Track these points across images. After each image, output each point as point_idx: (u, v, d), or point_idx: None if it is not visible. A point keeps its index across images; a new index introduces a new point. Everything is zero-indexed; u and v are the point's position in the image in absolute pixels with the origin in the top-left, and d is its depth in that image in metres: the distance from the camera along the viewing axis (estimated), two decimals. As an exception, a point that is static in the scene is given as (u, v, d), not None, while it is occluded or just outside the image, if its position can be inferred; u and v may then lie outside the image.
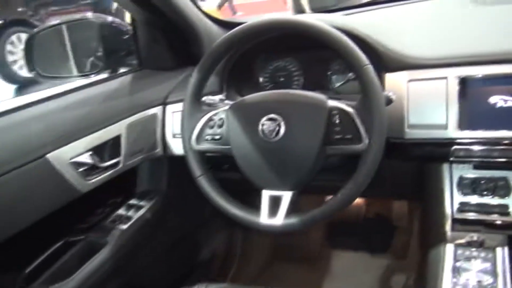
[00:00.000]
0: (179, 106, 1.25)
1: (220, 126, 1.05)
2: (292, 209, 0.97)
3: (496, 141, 0.97)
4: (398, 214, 1.79)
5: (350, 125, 0.93)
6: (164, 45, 1.37)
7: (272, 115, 0.98)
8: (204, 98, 1.10)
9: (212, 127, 1.06)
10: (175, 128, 1.27)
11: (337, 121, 0.94)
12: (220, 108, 1.06)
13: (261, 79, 1.33)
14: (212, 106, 1.11)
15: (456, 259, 0.98)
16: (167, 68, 1.40)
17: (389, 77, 1.07)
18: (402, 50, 1.07)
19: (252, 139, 0.99)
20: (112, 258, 1.17)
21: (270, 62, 1.32)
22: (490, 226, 1.03)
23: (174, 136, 1.28)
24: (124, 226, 1.22)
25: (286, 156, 0.97)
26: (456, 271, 0.95)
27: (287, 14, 1.17)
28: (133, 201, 1.32)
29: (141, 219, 1.26)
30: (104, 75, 1.31)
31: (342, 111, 0.94)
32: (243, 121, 1.01)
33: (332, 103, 0.96)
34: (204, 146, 1.06)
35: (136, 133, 1.22)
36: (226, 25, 1.51)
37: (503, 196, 1.03)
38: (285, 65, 1.30)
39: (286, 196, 0.98)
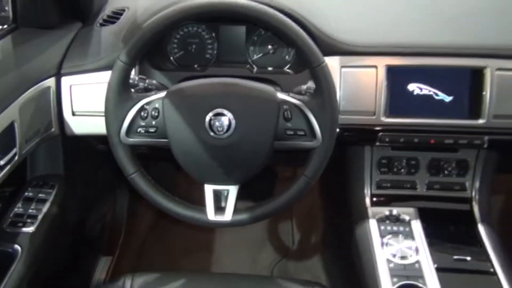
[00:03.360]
0: (78, 79, 1.08)
1: (155, 117, 0.93)
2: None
3: (415, 127, 1.08)
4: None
5: (302, 121, 0.92)
6: None
7: (220, 110, 0.90)
8: (132, 81, 0.96)
9: (145, 118, 0.93)
10: (75, 104, 1.09)
11: (289, 116, 0.92)
12: (154, 96, 0.93)
13: (168, 46, 1.20)
14: (142, 92, 0.97)
15: (382, 235, 1.09)
16: (50, 26, 1.16)
17: None
18: (336, 34, 1.07)
19: (197, 134, 0.91)
20: (30, 266, 1.00)
21: (180, 27, 1.19)
22: (403, 199, 1.17)
23: (74, 114, 1.10)
24: (32, 229, 1.04)
25: (235, 152, 0.93)
26: (384, 245, 1.07)
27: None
28: (29, 193, 1.12)
29: (48, 217, 1.08)
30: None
31: (293, 106, 0.92)
32: (185, 114, 0.91)
33: (282, 96, 0.93)
34: (137, 139, 0.93)
35: (30, 114, 1.01)
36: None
37: (413, 173, 1.17)
38: (197, 31, 1.19)
39: (233, 191, 0.95)
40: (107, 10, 1.21)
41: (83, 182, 1.35)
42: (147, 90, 1.01)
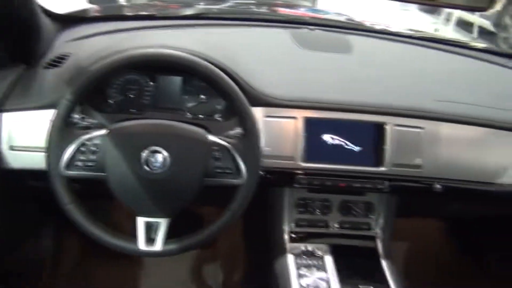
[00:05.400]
0: (20, 116, 1.13)
1: (94, 152, 1.01)
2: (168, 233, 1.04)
3: (328, 172, 1.23)
4: None
5: (230, 160, 1.04)
6: None
7: (155, 148, 1.01)
8: (74, 119, 1.04)
9: (84, 152, 1.01)
10: (14, 139, 1.14)
11: (218, 156, 1.04)
12: (95, 133, 1.02)
13: (108, 90, 1.28)
14: (83, 130, 1.05)
15: (298, 268, 1.21)
16: None
17: None
18: (262, 88, 1.20)
19: (133, 169, 1.00)
20: None
21: (121, 75, 1.29)
22: (317, 236, 1.30)
23: (12, 148, 1.14)
24: None
25: (168, 187, 1.02)
26: (299, 277, 1.19)
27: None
28: None
29: None
30: None
31: (222, 147, 1.04)
32: (122, 150, 1.01)
33: (212, 138, 1.05)
34: (75, 172, 1.01)
35: None
36: (61, 18, 1.40)
37: (326, 213, 1.32)
38: (136, 79, 1.28)
39: (164, 223, 1.04)
40: (51, 54, 1.28)
41: (6, 217, 1.36)
42: (87, 128, 1.09)
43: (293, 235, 1.31)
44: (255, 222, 1.52)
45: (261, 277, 1.39)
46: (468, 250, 2.10)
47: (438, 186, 1.24)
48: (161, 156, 1.00)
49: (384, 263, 1.28)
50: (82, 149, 1.01)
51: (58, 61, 1.25)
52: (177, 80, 1.27)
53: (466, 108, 1.29)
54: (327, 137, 1.22)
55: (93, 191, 1.09)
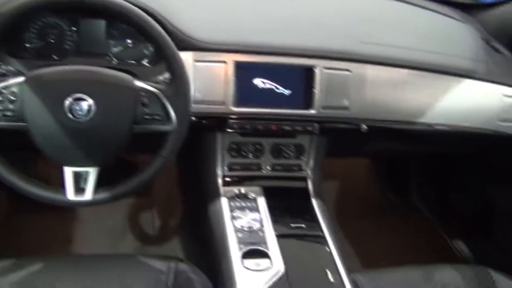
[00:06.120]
0: None
1: (12, 101, 0.95)
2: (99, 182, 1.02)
3: (259, 116, 1.24)
4: None
5: (159, 107, 1.02)
6: None
7: (80, 95, 0.96)
8: None
9: (1, 101, 0.95)
10: None
11: (146, 102, 1.01)
12: (11, 81, 0.96)
13: (25, 35, 1.19)
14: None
15: (232, 210, 1.24)
16: None
17: None
18: (190, 32, 1.17)
19: (56, 118, 0.96)
20: None
21: (39, 17, 1.20)
22: (251, 179, 1.33)
23: None
24: None
25: (95, 135, 0.99)
26: (233, 218, 1.22)
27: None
28: None
29: None
30: None
31: (150, 93, 1.02)
32: (44, 98, 0.95)
33: (139, 84, 1.02)
34: None
35: None
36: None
37: (259, 156, 1.34)
38: (57, 22, 1.20)
39: (93, 172, 1.01)
40: None
41: None
42: (3, 76, 1.02)
43: (226, 179, 1.33)
44: (190, 168, 1.53)
45: (197, 222, 1.41)
46: (394, 189, 2.24)
47: (364, 126, 1.29)
48: (85, 104, 0.96)
49: (314, 202, 1.34)
50: None
51: None
52: (101, 24, 1.20)
53: (391, 51, 1.33)
54: (258, 81, 1.22)
55: (15, 142, 1.03)
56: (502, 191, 1.74)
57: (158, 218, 1.87)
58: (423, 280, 1.25)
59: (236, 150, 1.32)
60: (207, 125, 1.23)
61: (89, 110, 0.96)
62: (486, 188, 1.80)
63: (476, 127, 1.41)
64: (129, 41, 1.23)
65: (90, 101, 0.96)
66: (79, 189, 1.01)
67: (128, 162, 1.40)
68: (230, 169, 1.33)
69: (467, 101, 1.39)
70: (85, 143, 0.99)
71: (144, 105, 1.01)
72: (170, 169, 1.91)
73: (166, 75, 1.06)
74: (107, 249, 1.70)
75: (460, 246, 1.93)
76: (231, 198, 1.29)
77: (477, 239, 1.88)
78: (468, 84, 1.38)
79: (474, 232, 1.89)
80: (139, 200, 1.90)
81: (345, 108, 1.26)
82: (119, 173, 1.06)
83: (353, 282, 1.19)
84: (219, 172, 1.33)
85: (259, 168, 1.35)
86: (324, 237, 1.22)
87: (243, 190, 1.31)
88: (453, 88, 1.36)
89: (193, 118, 1.19)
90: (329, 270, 1.12)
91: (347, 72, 1.25)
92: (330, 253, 1.17)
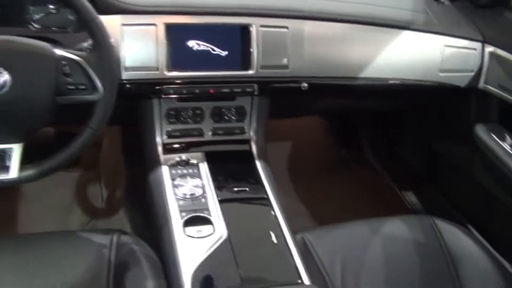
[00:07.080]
0: None
1: None
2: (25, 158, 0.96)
3: (196, 79, 1.19)
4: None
5: (82, 75, 0.96)
6: None
7: None
8: None
9: None
10: None
11: (68, 71, 0.95)
12: None
13: None
14: None
15: (173, 178, 1.21)
16: None
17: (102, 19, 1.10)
18: None
19: None
20: None
21: None
22: (192, 145, 1.29)
23: None
24: None
25: (14, 109, 0.93)
26: (174, 187, 1.19)
27: None
28: None
29: None
30: None
31: (72, 61, 0.95)
32: None
33: (60, 52, 0.95)
34: None
35: None
36: None
37: (199, 121, 1.30)
38: None
39: (17, 149, 0.95)
40: None
41: None
42: None
43: (167, 147, 1.29)
44: (134, 137, 1.48)
45: (140, 192, 1.38)
46: (346, 144, 2.25)
47: (305, 84, 1.27)
48: (1, 76, 0.89)
49: (258, 165, 1.32)
50: None
51: None
52: None
53: (330, 5, 1.30)
54: (192, 43, 1.17)
55: None
56: (443, 142, 1.77)
57: (106, 191, 1.82)
58: (371, 234, 1.27)
59: (175, 116, 1.27)
60: (141, 92, 1.18)
61: (4, 83, 0.90)
62: (431, 139, 1.83)
63: (418, 79, 1.41)
64: (51, 6, 1.14)
65: (5, 73, 0.89)
66: (4, 167, 0.95)
67: (58, 135, 1.34)
68: (170, 136, 1.29)
69: (408, 53, 1.38)
70: (4, 118, 0.93)
71: (66, 74, 0.95)
72: (117, 139, 1.86)
73: (90, 42, 1.00)
74: (54, 226, 1.64)
75: (411, 198, 1.98)
76: (172, 166, 1.25)
77: (425, 190, 1.93)
78: (407, 36, 1.36)
79: (423, 183, 1.94)
80: (87, 173, 1.84)
81: (284, 66, 1.23)
82: (50, 148, 1.01)
83: (301, 241, 1.19)
84: (158, 140, 1.29)
85: (200, 133, 1.31)
86: (268, 199, 1.21)
87: (184, 157, 1.27)
88: (393, 41, 1.34)
89: (127, 86, 1.14)
90: (273, 232, 1.11)
91: (284, 30, 1.22)
92: (275, 214, 1.16)
